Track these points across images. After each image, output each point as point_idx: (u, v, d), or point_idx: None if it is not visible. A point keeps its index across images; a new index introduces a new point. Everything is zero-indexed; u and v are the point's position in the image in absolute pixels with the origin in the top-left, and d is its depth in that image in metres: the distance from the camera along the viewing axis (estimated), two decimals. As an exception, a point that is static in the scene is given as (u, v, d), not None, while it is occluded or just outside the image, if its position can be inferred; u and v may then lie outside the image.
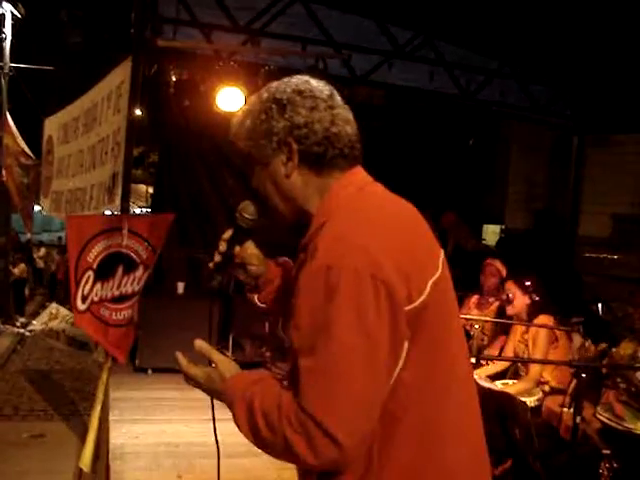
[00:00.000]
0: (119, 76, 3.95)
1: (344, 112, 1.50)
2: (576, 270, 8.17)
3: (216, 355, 1.50)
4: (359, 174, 1.52)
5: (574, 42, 5.96)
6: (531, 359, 4.49)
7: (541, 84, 7.66)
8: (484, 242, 9.88)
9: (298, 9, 6.57)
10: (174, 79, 6.76)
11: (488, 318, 5.14)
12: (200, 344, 1.52)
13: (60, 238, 15.73)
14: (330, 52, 6.73)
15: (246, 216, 1.66)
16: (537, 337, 4.52)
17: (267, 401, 1.35)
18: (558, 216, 8.95)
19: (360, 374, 1.28)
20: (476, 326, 4.78)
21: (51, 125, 6.10)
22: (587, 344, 4.29)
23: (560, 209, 8.93)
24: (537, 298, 4.61)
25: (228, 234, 1.69)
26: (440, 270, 1.45)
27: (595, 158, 8.26)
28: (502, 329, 5.06)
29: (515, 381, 4.55)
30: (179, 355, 1.53)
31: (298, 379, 1.31)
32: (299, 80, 1.50)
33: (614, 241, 8.08)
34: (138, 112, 3.89)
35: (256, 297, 1.81)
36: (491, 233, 10.62)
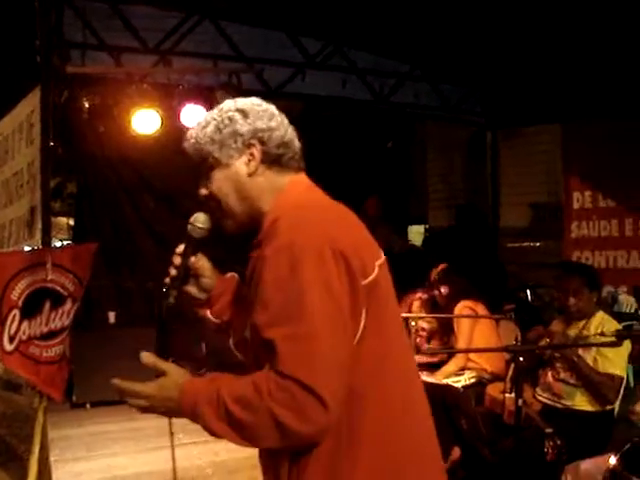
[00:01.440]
0: (28, 106, 3.83)
1: (291, 128, 1.70)
2: (500, 261, 8.43)
3: (164, 364, 1.50)
4: (305, 177, 1.70)
5: (480, 40, 6.17)
6: (473, 349, 4.76)
7: (451, 83, 7.90)
8: (410, 242, 10.05)
9: (207, 26, 6.56)
10: (87, 105, 6.57)
11: (423, 314, 5.27)
12: (147, 356, 1.51)
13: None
14: (242, 67, 6.75)
15: (198, 225, 1.73)
16: (459, 322, 4.83)
17: (236, 388, 1.38)
18: (479, 210, 9.20)
19: (335, 337, 1.38)
20: (412, 323, 4.93)
21: (-41, 162, 5.85)
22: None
23: (480, 203, 9.20)
24: (444, 290, 4.99)
25: (181, 248, 1.75)
26: (383, 257, 1.59)
27: (509, 151, 8.55)
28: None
29: None
30: (116, 381, 1.49)
31: (274, 351, 1.36)
32: (254, 98, 1.70)
33: (533, 230, 8.36)
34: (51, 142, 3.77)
35: (208, 312, 1.81)
36: (416, 233, 10.80)
